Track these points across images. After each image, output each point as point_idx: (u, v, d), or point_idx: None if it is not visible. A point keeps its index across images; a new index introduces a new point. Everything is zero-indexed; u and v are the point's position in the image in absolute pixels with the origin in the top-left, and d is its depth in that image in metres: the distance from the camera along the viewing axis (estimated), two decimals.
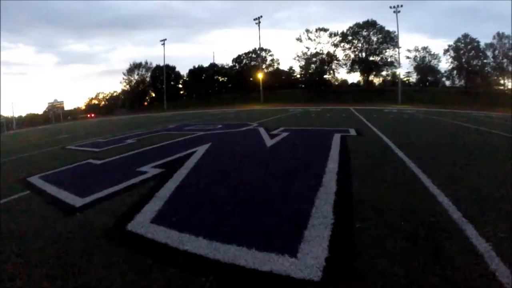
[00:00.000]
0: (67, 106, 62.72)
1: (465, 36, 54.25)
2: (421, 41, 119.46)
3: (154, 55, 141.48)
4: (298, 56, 60.78)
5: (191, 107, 50.97)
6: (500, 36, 52.47)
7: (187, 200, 2.89)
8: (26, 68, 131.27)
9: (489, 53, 53.48)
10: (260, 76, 54.48)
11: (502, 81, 54.52)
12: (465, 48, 54.42)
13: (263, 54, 63.30)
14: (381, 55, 56.59)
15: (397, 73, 54.25)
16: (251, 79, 62.74)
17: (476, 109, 25.68)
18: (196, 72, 67.58)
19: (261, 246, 1.89)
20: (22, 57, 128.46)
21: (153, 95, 71.04)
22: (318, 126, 9.86)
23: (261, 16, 52.12)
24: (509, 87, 52.97)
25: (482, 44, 53.40)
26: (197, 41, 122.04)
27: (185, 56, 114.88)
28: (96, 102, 78.14)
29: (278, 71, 66.36)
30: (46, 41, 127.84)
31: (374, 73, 60.13)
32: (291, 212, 2.44)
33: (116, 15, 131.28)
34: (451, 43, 55.76)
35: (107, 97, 78.16)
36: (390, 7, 47.33)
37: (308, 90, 58.89)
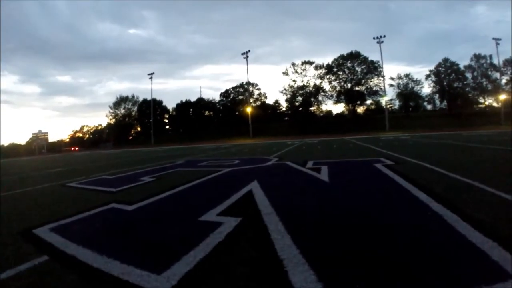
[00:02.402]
0: (51, 138, 60.01)
1: (445, 60, 57.39)
2: (399, 69, 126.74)
3: (139, 89, 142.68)
4: (285, 89, 61.90)
5: (179, 142, 49.72)
6: (477, 57, 55.69)
7: (337, 259, 1.89)
8: (10, 97, 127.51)
9: (468, 75, 56.39)
10: (249, 110, 54.39)
11: (482, 100, 57.14)
12: (445, 72, 57.15)
13: (251, 88, 63.97)
14: (366, 85, 58.50)
15: (383, 101, 55.88)
16: (237, 113, 62.75)
17: (463, 130, 26.59)
18: (183, 106, 67.17)
19: None
20: (7, 85, 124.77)
21: (139, 129, 69.50)
22: (343, 158, 9.01)
23: (249, 51, 53.42)
24: (493, 105, 55.40)
25: (461, 67, 56.30)
26: (182, 76, 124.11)
27: (170, 90, 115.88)
28: (81, 135, 75.82)
29: (264, 105, 66.96)
30: (31, 70, 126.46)
31: (358, 102, 61.73)
32: (465, 254, 1.90)
33: (101, 48, 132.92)
34: (429, 68, 59.73)
35: (91, 131, 76.09)
36: (374, 38, 49.93)
37: (295, 123, 59.29)
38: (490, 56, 54.65)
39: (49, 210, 4.00)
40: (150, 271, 1.87)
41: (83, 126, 77.82)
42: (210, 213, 3.11)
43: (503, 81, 53.48)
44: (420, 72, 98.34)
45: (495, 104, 56.02)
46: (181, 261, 1.98)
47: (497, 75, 54.10)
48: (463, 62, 57.70)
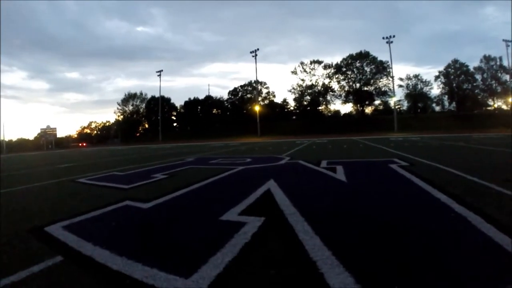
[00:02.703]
0: (59, 134, 60.88)
1: (455, 61, 56.41)
2: (407, 69, 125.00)
3: (147, 87, 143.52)
4: (293, 88, 61.58)
5: (186, 139, 49.79)
6: (487, 58, 54.64)
7: (372, 261, 1.76)
8: (18, 93, 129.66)
9: (477, 76, 55.40)
10: (257, 108, 54.21)
11: (491, 102, 56.16)
12: (455, 73, 56.18)
13: (259, 87, 63.76)
14: (374, 85, 57.83)
15: (392, 102, 55.15)
16: (244, 111, 62.63)
17: (472, 132, 26.14)
18: (191, 104, 67.29)
19: None
20: (16, 81, 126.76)
21: (147, 126, 69.91)
22: (356, 158, 8.81)
23: (258, 49, 53.09)
24: (502, 107, 54.45)
25: (470, 68, 55.28)
26: (190, 74, 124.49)
27: (178, 88, 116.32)
28: (88, 131, 76.66)
29: (272, 104, 66.73)
30: (39, 67, 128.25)
31: (367, 102, 61.08)
32: (493, 254, 1.85)
33: (109, 45, 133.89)
34: (437, 69, 58.48)
35: (99, 127, 76.90)
36: (383, 38, 49.26)
37: (303, 122, 58.95)
38: (500, 58, 53.79)
39: (60, 206, 3.88)
40: (177, 274, 1.73)
41: (91, 122, 79.16)
42: (231, 212, 2.97)
43: None
44: (429, 73, 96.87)
45: (504, 107, 55.10)
46: (208, 263, 1.83)
47: (507, 77, 53.15)
48: (472, 63, 56.75)
